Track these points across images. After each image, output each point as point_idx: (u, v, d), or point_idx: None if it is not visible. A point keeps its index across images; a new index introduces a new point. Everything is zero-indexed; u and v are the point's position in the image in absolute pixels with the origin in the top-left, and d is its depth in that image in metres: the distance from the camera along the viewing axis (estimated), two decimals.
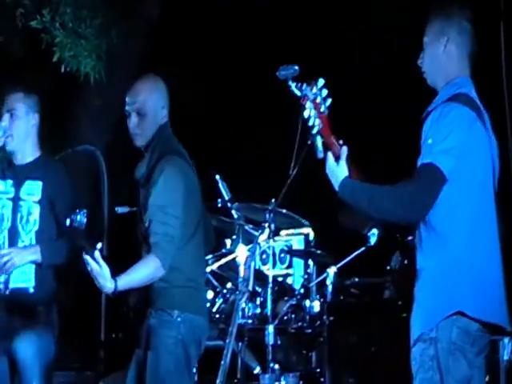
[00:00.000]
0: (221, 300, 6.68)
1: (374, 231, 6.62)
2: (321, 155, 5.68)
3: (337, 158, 4.35)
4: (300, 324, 6.63)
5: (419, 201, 4.16)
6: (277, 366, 6.42)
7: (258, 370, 6.60)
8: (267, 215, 5.88)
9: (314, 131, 4.33)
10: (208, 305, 6.48)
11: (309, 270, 6.88)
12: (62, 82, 8.66)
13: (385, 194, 4.29)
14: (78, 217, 5.07)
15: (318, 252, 6.91)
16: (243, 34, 9.20)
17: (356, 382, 6.44)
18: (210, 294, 6.54)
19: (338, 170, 4.32)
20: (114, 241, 6.38)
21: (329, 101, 4.28)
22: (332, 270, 6.73)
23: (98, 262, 4.91)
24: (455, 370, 4.15)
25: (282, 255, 7.10)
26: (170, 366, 5.17)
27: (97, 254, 4.92)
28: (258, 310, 6.58)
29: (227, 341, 5.23)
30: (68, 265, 6.08)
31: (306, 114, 4.28)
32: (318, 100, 4.22)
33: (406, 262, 5.80)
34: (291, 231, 7.26)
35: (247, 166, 8.39)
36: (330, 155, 4.34)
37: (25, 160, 6.03)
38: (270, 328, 6.30)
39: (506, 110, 6.41)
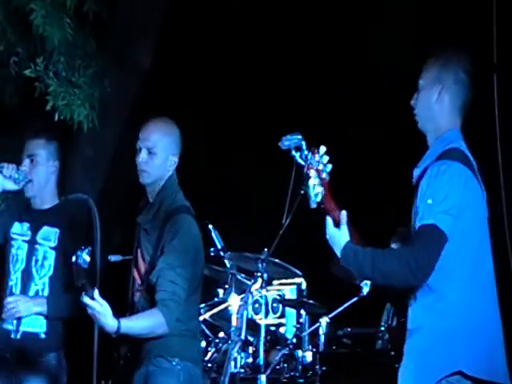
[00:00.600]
0: (213, 349, 6.63)
1: (367, 281, 6.05)
2: (314, 205, 5.61)
3: (337, 224, 4.31)
4: (292, 374, 6.52)
5: (426, 263, 4.13)
6: None
7: None
8: (260, 265, 5.91)
9: (318, 199, 4.33)
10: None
11: (301, 320, 6.76)
12: (56, 130, 8.30)
13: (389, 258, 4.27)
14: (83, 254, 5.05)
15: (311, 302, 6.82)
16: (234, 83, 9.12)
17: None
18: (202, 343, 6.42)
19: (339, 235, 4.31)
20: (106, 289, 6.26)
21: (329, 167, 4.31)
22: (324, 320, 6.64)
23: (98, 302, 4.86)
24: None
25: (275, 305, 6.94)
26: None
27: (96, 293, 4.88)
28: (251, 360, 6.50)
29: None
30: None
31: (311, 182, 4.31)
32: (321, 167, 4.27)
33: (401, 319, 5.48)
34: (284, 281, 7.13)
35: (240, 215, 8.27)
36: (329, 220, 4.32)
37: (43, 206, 6.05)
38: (263, 377, 6.24)
39: (499, 163, 6.39)
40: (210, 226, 6.59)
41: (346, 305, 6.68)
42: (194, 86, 9.21)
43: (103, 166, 8.67)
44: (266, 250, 6.03)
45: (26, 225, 6.09)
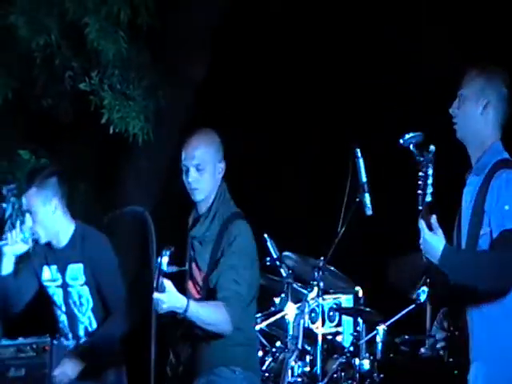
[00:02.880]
0: (270, 358, 6.49)
1: (424, 288, 5.75)
2: (369, 212, 5.76)
3: (430, 228, 4.24)
4: (350, 382, 6.36)
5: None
6: None
7: None
8: (316, 273, 6.00)
9: (430, 198, 4.29)
10: None
11: (358, 328, 6.61)
12: (111, 146, 8.67)
13: (483, 260, 4.25)
14: (164, 257, 4.99)
15: (367, 310, 6.66)
16: (287, 91, 9.07)
17: None
18: (259, 353, 6.31)
19: (436, 239, 4.22)
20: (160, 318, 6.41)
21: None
22: (381, 328, 6.50)
23: (166, 290, 4.84)
24: None
25: (331, 313, 6.83)
26: None
27: (165, 281, 4.88)
28: (308, 369, 6.34)
29: None
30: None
31: (429, 181, 4.29)
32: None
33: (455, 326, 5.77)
34: (341, 290, 7.08)
35: (296, 224, 8.31)
36: (422, 224, 4.26)
37: (61, 244, 5.99)
38: None
39: None
40: (266, 235, 6.47)
41: (403, 312, 6.60)
42: (247, 97, 9.26)
43: (158, 178, 8.70)
44: (322, 258, 6.06)
45: (54, 267, 6.07)
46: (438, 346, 6.35)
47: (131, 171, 8.84)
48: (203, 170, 5.20)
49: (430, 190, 4.25)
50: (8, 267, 5.90)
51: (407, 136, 4.39)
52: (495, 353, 4.27)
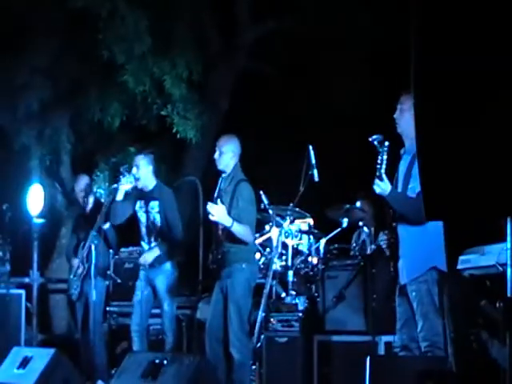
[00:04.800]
0: (263, 258, 7.56)
1: (345, 220, 7.65)
2: (316, 179, 6.61)
3: (380, 179, 5.10)
4: (306, 269, 7.42)
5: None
6: (293, 292, 7.22)
7: (283, 294, 7.44)
8: (288, 212, 7.15)
9: (383, 171, 5.07)
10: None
11: (311, 241, 7.55)
12: (178, 144, 10.57)
13: (411, 205, 5.11)
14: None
15: (315, 231, 7.69)
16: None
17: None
18: (257, 255, 7.27)
19: (384, 184, 5.14)
20: (206, 238, 6.75)
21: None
22: (323, 241, 7.62)
23: (217, 206, 5.98)
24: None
25: (296, 233, 7.43)
26: (242, 292, 6.31)
27: (218, 202, 5.97)
28: (283, 263, 7.31)
29: (267, 279, 6.54)
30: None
31: (384, 162, 5.09)
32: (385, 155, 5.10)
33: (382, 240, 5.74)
34: (301, 221, 7.63)
35: (279, 186, 8.20)
36: (377, 180, 5.10)
37: (148, 188, 7.26)
38: (290, 273, 7.22)
39: None
40: (261, 192, 6.99)
41: (334, 232, 7.79)
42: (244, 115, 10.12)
43: (203, 161, 10.14)
44: (291, 203, 7.15)
45: (142, 201, 7.25)
46: (382, 244, 6.06)
47: (189, 157, 10.86)
48: (222, 153, 6.37)
49: (384, 166, 5.02)
50: (120, 197, 7.13)
51: (374, 136, 5.12)
52: (409, 252, 5.21)
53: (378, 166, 5.03)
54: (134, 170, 7.08)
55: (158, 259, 7.12)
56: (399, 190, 5.27)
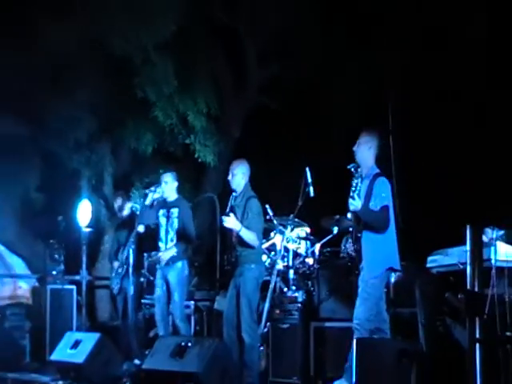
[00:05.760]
0: (269, 259, 7.33)
1: (336, 228, 7.60)
2: (312, 194, 6.37)
3: (353, 198, 5.15)
4: (304, 269, 7.40)
5: (387, 223, 5.17)
6: (294, 287, 7.24)
7: (285, 289, 7.36)
8: (289, 221, 7.15)
9: (357, 193, 5.11)
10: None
11: (307, 246, 7.59)
12: (199, 167, 10.61)
13: (376, 217, 5.24)
14: (232, 201, 5.87)
15: (312, 237, 7.70)
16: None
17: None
18: (264, 257, 7.20)
19: (356, 202, 5.21)
20: (222, 244, 6.86)
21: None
22: (318, 245, 7.57)
23: (230, 217, 5.98)
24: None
25: (296, 239, 7.57)
26: (252, 288, 6.26)
27: (231, 214, 5.97)
28: (285, 264, 7.31)
29: (272, 277, 6.58)
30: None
31: (357, 185, 5.10)
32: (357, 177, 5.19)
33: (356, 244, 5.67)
34: (299, 229, 7.67)
35: (281, 200, 7.72)
36: (350, 199, 5.15)
37: (170, 199, 7.23)
38: (291, 271, 7.28)
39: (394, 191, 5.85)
40: (267, 206, 7.14)
41: (326, 238, 7.69)
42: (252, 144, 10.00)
43: (219, 181, 9.82)
44: (291, 215, 7.04)
45: (165, 209, 7.18)
46: (349, 250, 6.67)
47: (208, 178, 10.87)
48: (234, 175, 6.37)
49: (358, 188, 5.10)
50: (148, 202, 7.12)
51: (351, 164, 5.22)
52: (370, 256, 5.24)
53: (353, 188, 5.07)
54: (163, 184, 7.09)
55: (173, 258, 7.04)
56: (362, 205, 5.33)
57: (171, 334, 6.93)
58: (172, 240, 7.03)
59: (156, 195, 6.96)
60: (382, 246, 5.32)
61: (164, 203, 7.12)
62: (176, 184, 7.13)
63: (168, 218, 7.06)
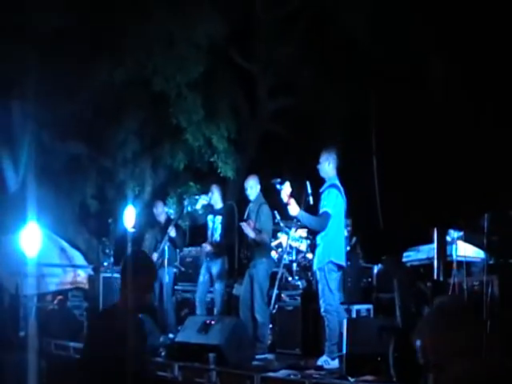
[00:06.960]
0: (276, 255, 7.23)
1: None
2: (311, 202, 5.76)
3: (288, 205, 5.18)
4: (305, 262, 7.10)
5: (324, 225, 5.15)
6: (296, 277, 7.04)
7: (290, 278, 7.12)
8: (293, 224, 6.53)
9: (286, 200, 5.13)
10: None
11: (308, 244, 7.23)
12: (221, 181, 9.76)
13: (315, 220, 5.22)
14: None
15: (311, 237, 7.02)
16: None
17: None
18: (273, 253, 7.09)
19: (292, 209, 5.26)
20: (241, 243, 6.69)
21: (284, 190, 5.10)
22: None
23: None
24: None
25: (299, 239, 7.25)
26: (263, 277, 6.31)
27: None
28: (291, 258, 7.03)
29: (279, 268, 6.24)
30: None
31: (284, 195, 5.23)
32: (286, 190, 5.23)
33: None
34: (302, 230, 7.30)
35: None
36: (287, 206, 5.22)
37: (217, 207, 7.21)
38: (294, 264, 7.05)
39: (378, 209, 5.51)
40: (275, 211, 6.93)
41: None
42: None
43: (237, 191, 9.41)
44: (295, 219, 6.06)
45: (212, 215, 7.20)
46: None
47: (228, 189, 10.17)
48: (251, 188, 6.43)
49: (288, 197, 4.94)
50: (199, 206, 7.60)
51: (274, 180, 5.20)
52: (317, 250, 5.15)
53: (282, 198, 5.10)
54: (210, 193, 7.13)
55: (215, 254, 7.02)
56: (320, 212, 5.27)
57: (204, 314, 6.88)
58: (215, 240, 7.06)
59: (204, 201, 7.12)
60: (324, 242, 5.24)
61: (212, 210, 7.12)
62: (220, 194, 7.14)
63: (213, 222, 7.09)
